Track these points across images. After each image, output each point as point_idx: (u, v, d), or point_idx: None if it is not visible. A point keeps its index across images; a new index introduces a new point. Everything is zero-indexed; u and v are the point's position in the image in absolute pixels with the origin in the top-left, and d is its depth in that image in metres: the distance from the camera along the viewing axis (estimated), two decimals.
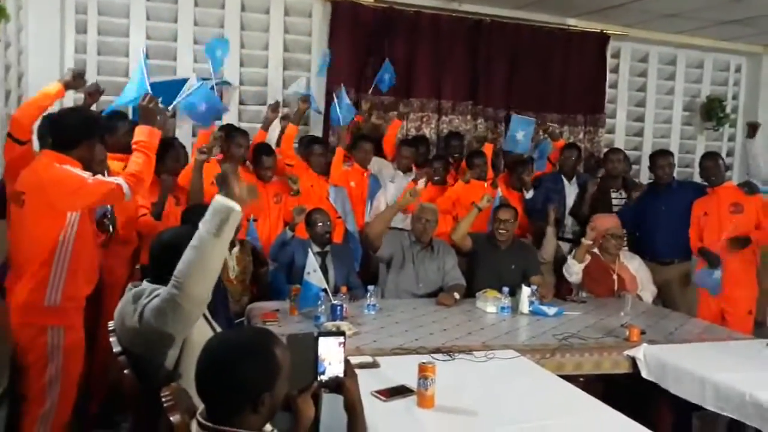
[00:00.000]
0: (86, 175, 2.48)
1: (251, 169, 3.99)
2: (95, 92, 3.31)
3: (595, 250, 3.92)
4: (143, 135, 2.59)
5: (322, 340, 1.61)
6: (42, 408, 2.43)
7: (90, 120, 2.67)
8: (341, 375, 1.60)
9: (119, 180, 2.51)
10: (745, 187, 4.18)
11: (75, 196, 2.44)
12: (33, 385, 2.43)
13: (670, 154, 4.49)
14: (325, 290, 3.05)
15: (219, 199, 1.64)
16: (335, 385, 1.61)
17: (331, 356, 1.61)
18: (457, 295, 3.47)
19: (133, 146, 2.61)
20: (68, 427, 2.55)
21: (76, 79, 2.89)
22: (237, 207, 1.65)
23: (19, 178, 2.52)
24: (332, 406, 1.77)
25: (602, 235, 3.87)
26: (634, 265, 3.94)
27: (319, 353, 1.59)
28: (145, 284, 1.89)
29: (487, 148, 4.64)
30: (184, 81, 3.53)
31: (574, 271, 3.88)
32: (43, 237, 2.42)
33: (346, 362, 1.62)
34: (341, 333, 1.66)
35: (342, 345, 1.63)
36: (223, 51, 3.93)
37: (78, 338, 2.52)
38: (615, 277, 3.86)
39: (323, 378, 1.59)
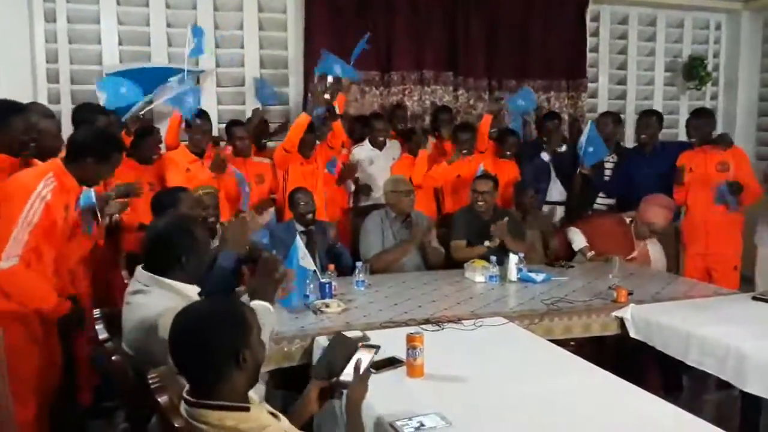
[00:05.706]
0: (25, 224, 2.34)
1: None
2: None
3: (627, 220, 3.89)
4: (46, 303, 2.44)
5: (360, 349, 1.76)
6: None
7: (104, 137, 2.61)
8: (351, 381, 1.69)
9: (13, 260, 2.34)
10: (721, 142, 4.10)
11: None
12: None
13: (654, 114, 4.47)
14: (314, 271, 3.04)
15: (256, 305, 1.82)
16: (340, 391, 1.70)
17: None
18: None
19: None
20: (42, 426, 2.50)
21: None
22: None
23: None
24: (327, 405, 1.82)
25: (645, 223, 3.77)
26: (654, 249, 3.89)
27: (353, 359, 1.71)
28: (139, 271, 1.92)
29: (486, 119, 4.49)
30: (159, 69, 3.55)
31: (575, 241, 3.90)
32: None
33: (360, 373, 1.69)
34: (376, 347, 1.81)
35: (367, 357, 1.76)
36: (199, 39, 4.06)
37: (21, 338, 2.39)
38: (635, 252, 3.82)
39: (342, 379, 1.69)
